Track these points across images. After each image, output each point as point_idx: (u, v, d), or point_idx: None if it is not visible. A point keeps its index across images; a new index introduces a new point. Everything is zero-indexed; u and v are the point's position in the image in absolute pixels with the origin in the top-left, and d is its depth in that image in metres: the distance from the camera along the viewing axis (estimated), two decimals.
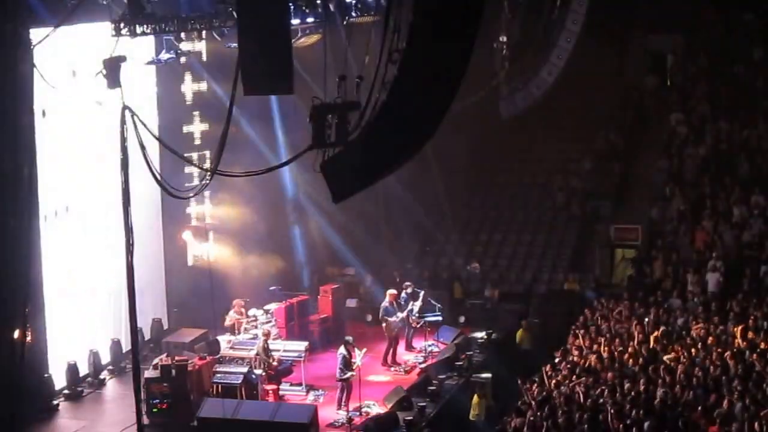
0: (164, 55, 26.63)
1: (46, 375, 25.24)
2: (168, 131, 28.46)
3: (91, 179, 26.86)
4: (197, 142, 30.41)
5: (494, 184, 37.66)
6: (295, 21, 25.84)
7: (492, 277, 33.88)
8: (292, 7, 24.54)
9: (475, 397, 24.30)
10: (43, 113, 24.95)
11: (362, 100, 15.69)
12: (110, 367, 27.50)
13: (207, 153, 29.77)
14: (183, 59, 28.55)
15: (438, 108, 15.38)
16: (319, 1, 27.10)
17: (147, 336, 29.06)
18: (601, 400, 21.34)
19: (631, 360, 23.72)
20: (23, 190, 21.64)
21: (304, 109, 17.02)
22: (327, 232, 32.98)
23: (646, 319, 26.36)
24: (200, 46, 29.22)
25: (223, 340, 26.94)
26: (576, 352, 24.89)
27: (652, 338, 25.04)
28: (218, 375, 25.36)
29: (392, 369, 27.86)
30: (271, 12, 16.02)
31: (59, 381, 25.86)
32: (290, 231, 33.20)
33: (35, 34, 21.68)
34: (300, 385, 26.28)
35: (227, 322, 27.49)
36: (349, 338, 25.62)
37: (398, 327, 28.20)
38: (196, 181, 28.29)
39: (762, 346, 23.89)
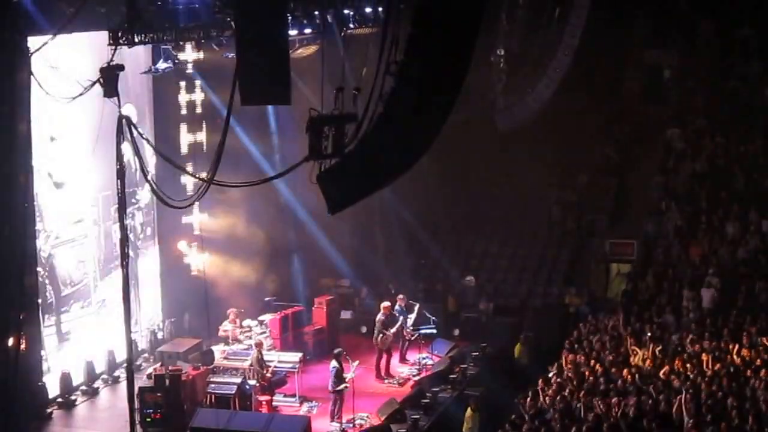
0: (162, 65, 26.64)
1: (39, 383, 25.16)
2: (164, 141, 28.46)
3: (86, 188, 26.87)
4: (192, 151, 30.37)
5: (490, 197, 37.62)
6: (292, 32, 25.87)
7: (487, 290, 33.85)
8: (290, 18, 24.56)
9: (469, 410, 24.25)
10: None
11: (359, 111, 15.71)
12: (104, 376, 27.45)
13: (201, 163, 29.71)
14: (180, 69, 28.59)
15: (435, 120, 15.40)
16: (316, 13, 27.14)
17: (141, 345, 29.02)
18: (593, 415, 21.30)
19: (625, 376, 23.67)
20: (19, 197, 21.65)
21: (301, 120, 17.02)
22: (322, 244, 32.94)
23: (641, 335, 26.32)
24: (197, 55, 29.23)
25: (217, 350, 26.93)
26: (570, 367, 24.85)
27: (646, 354, 25.01)
28: (212, 385, 25.37)
29: (386, 381, 27.84)
30: (269, 23, 16.07)
31: (53, 389, 25.79)
32: (286, 242, 33.17)
33: (33, 42, 21.69)
34: (294, 396, 26.24)
35: (221, 333, 27.47)
36: (339, 350, 25.59)
37: (390, 340, 28.19)
38: (191, 191, 28.36)
39: (757, 363, 23.87)
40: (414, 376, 28.07)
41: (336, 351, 25.55)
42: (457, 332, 31.15)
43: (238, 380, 25.27)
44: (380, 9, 28.85)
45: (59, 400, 25.92)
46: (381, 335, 27.94)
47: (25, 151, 22.29)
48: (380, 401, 25.44)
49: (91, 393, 26.78)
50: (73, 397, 26.23)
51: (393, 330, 28.11)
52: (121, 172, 20.10)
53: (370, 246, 34.92)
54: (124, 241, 20.64)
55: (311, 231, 32.67)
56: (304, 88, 24.81)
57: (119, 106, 20.05)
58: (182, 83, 29.92)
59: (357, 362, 25.60)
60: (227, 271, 30.67)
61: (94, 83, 20.69)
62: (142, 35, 23.10)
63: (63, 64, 23.76)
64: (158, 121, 29.27)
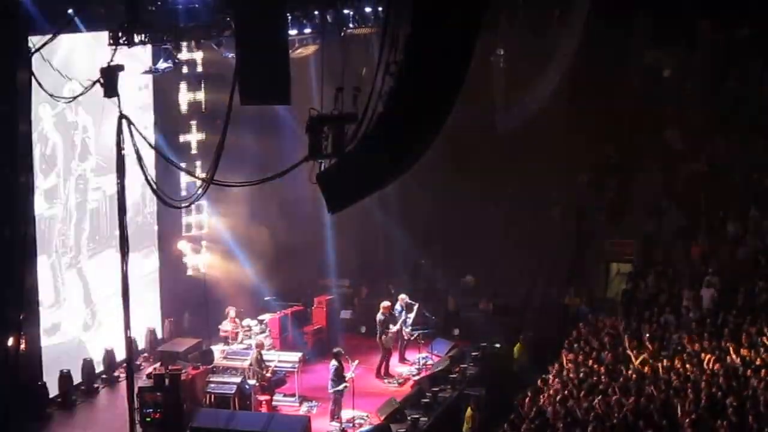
0: (162, 65, 26.62)
1: (39, 383, 25.16)
2: (164, 140, 28.47)
3: (86, 187, 26.87)
4: (194, 151, 30.41)
5: (490, 196, 37.62)
6: (292, 32, 25.86)
7: (486, 290, 33.82)
8: (290, 18, 24.56)
9: (468, 410, 24.24)
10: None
11: (359, 111, 15.70)
12: (104, 376, 27.45)
13: (202, 162, 29.75)
14: (180, 68, 28.60)
15: (435, 120, 15.38)
16: (316, 13, 27.13)
17: (141, 345, 29.01)
18: (593, 415, 21.29)
19: (625, 376, 23.67)
20: (19, 198, 21.67)
21: (301, 120, 17.03)
22: (323, 244, 32.94)
23: (641, 335, 26.32)
24: (197, 55, 29.25)
25: (217, 349, 26.93)
26: (570, 367, 24.85)
27: (646, 354, 25.00)
28: (212, 385, 25.36)
29: (386, 381, 27.84)
30: (269, 22, 16.07)
31: (53, 389, 25.78)
32: (286, 241, 33.15)
33: (33, 41, 21.70)
34: (293, 395, 26.24)
35: (222, 332, 27.47)
36: (339, 349, 25.60)
37: (393, 339, 28.22)
38: (193, 191, 28.34)
39: (757, 362, 23.86)
40: (414, 376, 28.06)
41: (335, 350, 25.56)
42: (457, 332, 31.13)
43: (238, 380, 25.26)
44: (380, 9, 28.83)
45: (59, 400, 25.92)
46: (384, 334, 27.95)
47: (25, 151, 22.31)
48: (380, 401, 25.43)
49: (91, 393, 26.78)
50: (72, 397, 26.22)
51: (396, 328, 28.13)
52: (120, 171, 20.10)
53: (370, 246, 34.89)
54: (124, 241, 20.63)
55: (312, 231, 32.68)
56: (303, 88, 24.76)
57: (119, 106, 20.06)
58: (183, 83, 29.94)
59: (357, 362, 25.61)
60: (227, 271, 30.67)
61: (94, 83, 20.70)
62: (142, 35, 23.10)
63: (63, 64, 23.76)
64: (158, 121, 29.26)
